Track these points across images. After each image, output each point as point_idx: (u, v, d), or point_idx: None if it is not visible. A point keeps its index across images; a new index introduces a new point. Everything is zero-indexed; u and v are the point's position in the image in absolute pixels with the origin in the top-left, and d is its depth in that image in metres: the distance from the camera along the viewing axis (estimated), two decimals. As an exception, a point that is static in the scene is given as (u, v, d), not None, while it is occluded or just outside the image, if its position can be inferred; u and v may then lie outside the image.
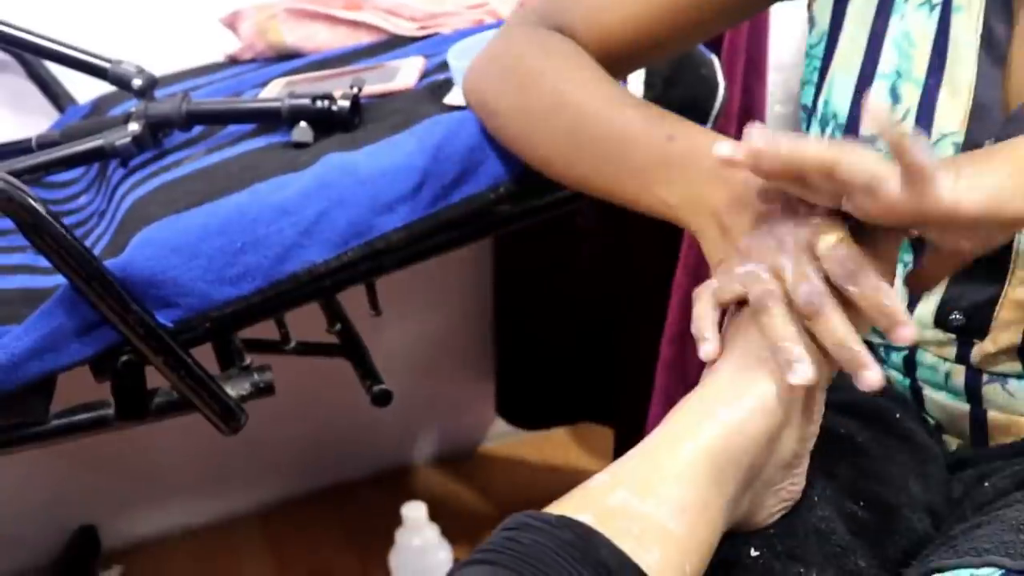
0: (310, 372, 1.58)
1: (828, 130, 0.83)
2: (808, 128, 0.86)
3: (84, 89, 1.54)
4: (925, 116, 0.78)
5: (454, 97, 1.19)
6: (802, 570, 0.68)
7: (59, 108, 1.56)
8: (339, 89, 1.21)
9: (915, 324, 0.73)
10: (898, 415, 0.84)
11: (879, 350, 0.88)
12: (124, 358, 1.07)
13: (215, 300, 1.06)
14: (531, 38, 0.87)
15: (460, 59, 1.20)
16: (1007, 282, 0.77)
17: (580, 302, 1.79)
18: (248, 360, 1.15)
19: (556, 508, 0.63)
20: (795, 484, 0.70)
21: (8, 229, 1.23)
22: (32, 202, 0.98)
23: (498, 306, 1.87)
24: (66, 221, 1.01)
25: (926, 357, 0.83)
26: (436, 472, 1.97)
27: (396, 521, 1.54)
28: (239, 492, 1.89)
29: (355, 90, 1.20)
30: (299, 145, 1.17)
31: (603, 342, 1.78)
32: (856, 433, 0.81)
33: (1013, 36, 0.75)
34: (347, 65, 1.41)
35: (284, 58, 1.51)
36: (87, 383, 1.09)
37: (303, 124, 1.18)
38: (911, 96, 0.79)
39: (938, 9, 0.78)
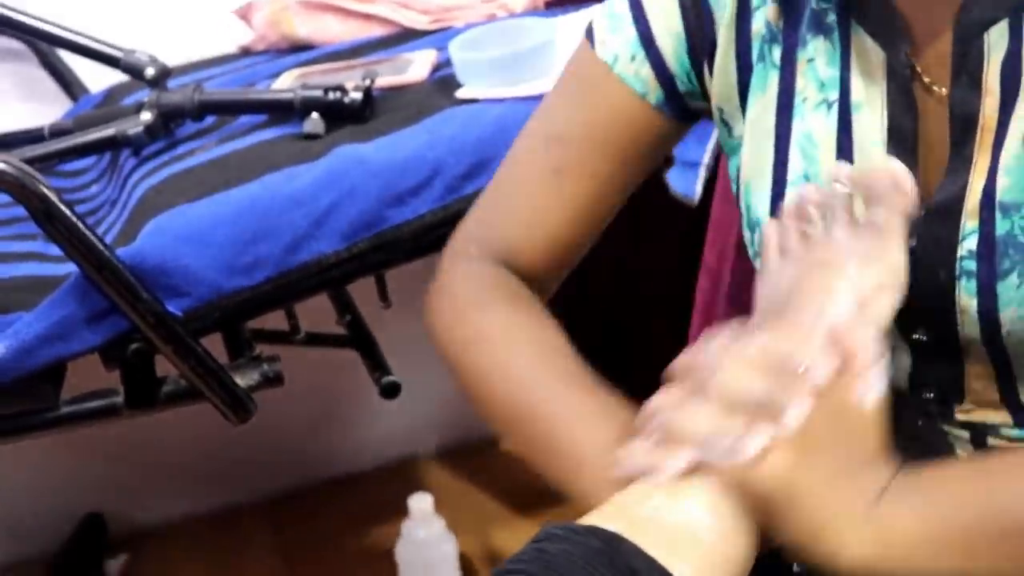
0: (319, 363, 1.59)
1: (756, 234, 0.81)
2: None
3: (97, 78, 1.54)
4: None
5: (466, 91, 1.19)
6: None
7: (72, 97, 1.57)
8: (351, 81, 1.21)
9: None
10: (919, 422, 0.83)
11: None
12: (134, 346, 1.07)
13: (225, 289, 1.07)
14: (475, 286, 0.85)
15: (463, 51, 1.20)
16: (964, 365, 0.76)
17: (599, 298, 1.79)
18: (257, 350, 1.15)
19: (587, 519, 0.62)
20: None
21: (20, 217, 1.23)
22: (44, 190, 0.98)
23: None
24: (78, 210, 1.01)
25: None
26: (443, 464, 1.97)
27: (403, 513, 1.54)
28: (246, 482, 1.89)
29: (367, 82, 1.21)
30: (311, 136, 1.18)
31: (622, 341, 1.78)
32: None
33: (919, 129, 0.73)
34: (359, 57, 1.41)
35: (297, 50, 1.51)
36: (97, 371, 1.10)
37: (315, 115, 1.18)
38: None
39: (835, 107, 0.76)
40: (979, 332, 0.72)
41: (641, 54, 0.82)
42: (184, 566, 1.79)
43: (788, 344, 0.63)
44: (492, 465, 1.96)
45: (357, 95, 1.19)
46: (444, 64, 1.30)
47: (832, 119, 0.77)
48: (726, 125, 0.84)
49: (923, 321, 0.75)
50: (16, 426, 1.09)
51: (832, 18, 0.75)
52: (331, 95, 1.19)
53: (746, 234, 0.83)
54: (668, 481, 0.63)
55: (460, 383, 0.83)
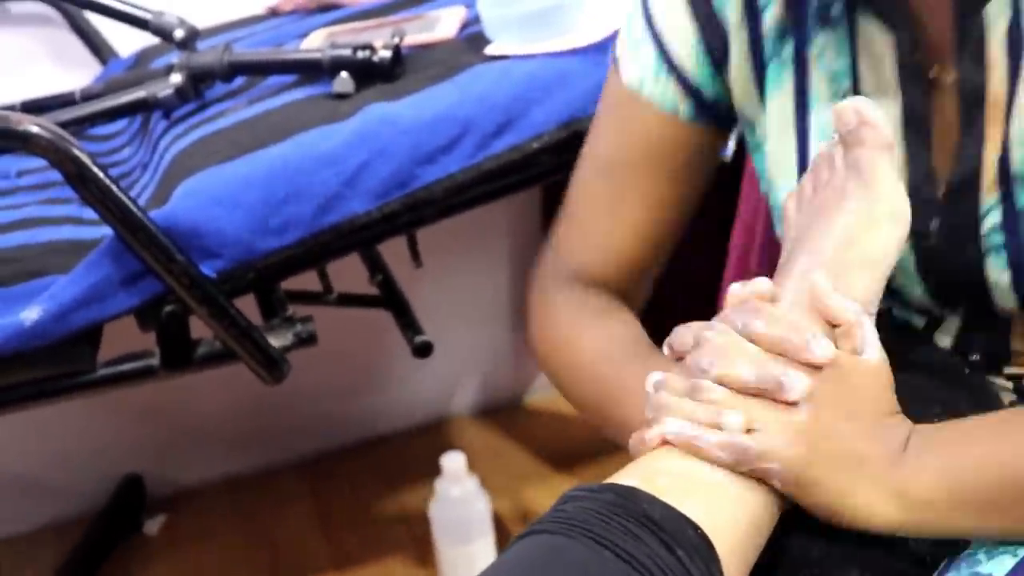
0: (352, 323, 1.59)
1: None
2: None
3: (127, 41, 1.54)
4: None
5: (495, 47, 1.18)
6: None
7: (102, 61, 1.57)
8: (380, 39, 1.20)
9: None
10: (967, 371, 0.83)
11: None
12: (168, 308, 1.08)
13: (258, 250, 1.07)
14: (569, 315, 0.88)
15: (491, 7, 1.19)
16: (1009, 332, 0.77)
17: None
18: (290, 311, 1.15)
19: (606, 480, 0.63)
20: None
21: (55, 181, 1.24)
22: (78, 153, 0.99)
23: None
24: (111, 173, 1.01)
25: None
26: (476, 424, 1.98)
27: (436, 472, 1.55)
28: (281, 442, 1.91)
29: (396, 40, 1.20)
30: (340, 96, 1.17)
31: (657, 293, 1.77)
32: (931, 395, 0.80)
33: (932, 111, 0.73)
34: (388, 16, 1.40)
35: (325, 9, 1.50)
36: (133, 334, 1.11)
37: (344, 75, 1.18)
38: None
39: (850, 97, 0.76)
40: (1016, 303, 0.72)
41: (664, 73, 0.83)
42: (221, 526, 1.81)
43: (778, 328, 0.64)
44: (524, 424, 1.97)
45: (386, 53, 1.18)
46: (473, 21, 1.29)
47: None
48: (749, 124, 0.84)
49: (959, 298, 0.76)
50: (55, 388, 1.10)
51: (838, 10, 0.75)
52: (360, 54, 1.18)
53: (777, 230, 0.83)
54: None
55: (570, 400, 0.87)
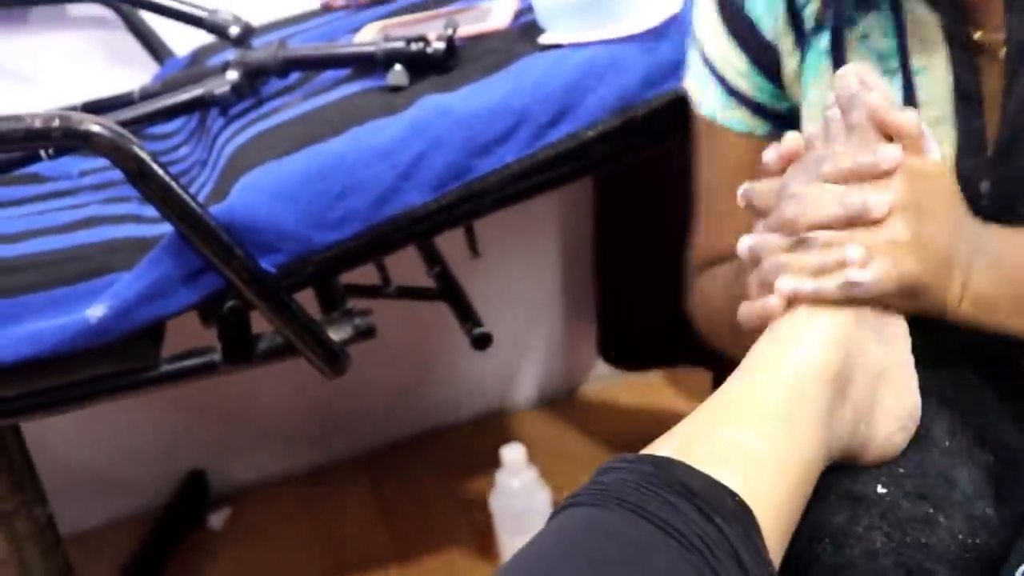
0: (411, 316, 1.60)
1: None
2: None
3: (183, 40, 1.55)
4: None
5: (549, 36, 1.18)
6: (930, 510, 0.67)
7: (158, 60, 1.59)
8: (433, 31, 1.20)
9: None
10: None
11: None
12: (229, 304, 1.08)
13: (316, 244, 1.07)
14: (711, 286, 0.94)
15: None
16: None
17: (681, 244, 1.77)
18: (349, 304, 1.16)
19: (642, 451, 0.64)
20: (905, 403, 0.69)
21: (116, 180, 1.26)
22: (138, 151, 1.00)
23: (599, 248, 1.85)
24: (170, 171, 1.02)
25: None
26: (536, 415, 1.98)
27: (496, 463, 1.55)
28: (342, 436, 1.92)
29: (450, 31, 1.20)
30: (395, 88, 1.17)
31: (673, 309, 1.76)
32: (980, 376, 0.79)
33: (982, 78, 0.75)
34: (440, 7, 1.40)
35: (377, 3, 1.51)
36: (195, 331, 1.12)
37: (398, 67, 1.18)
38: None
39: (899, 75, 0.78)
40: None
41: (731, 101, 0.88)
42: (284, 520, 1.83)
43: (845, 159, 0.68)
44: (584, 416, 1.96)
45: (440, 45, 1.18)
46: (525, 10, 1.28)
47: (896, 86, 0.79)
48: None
49: None
50: (119, 384, 1.12)
51: None
52: (414, 46, 1.18)
53: None
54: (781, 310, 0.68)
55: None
